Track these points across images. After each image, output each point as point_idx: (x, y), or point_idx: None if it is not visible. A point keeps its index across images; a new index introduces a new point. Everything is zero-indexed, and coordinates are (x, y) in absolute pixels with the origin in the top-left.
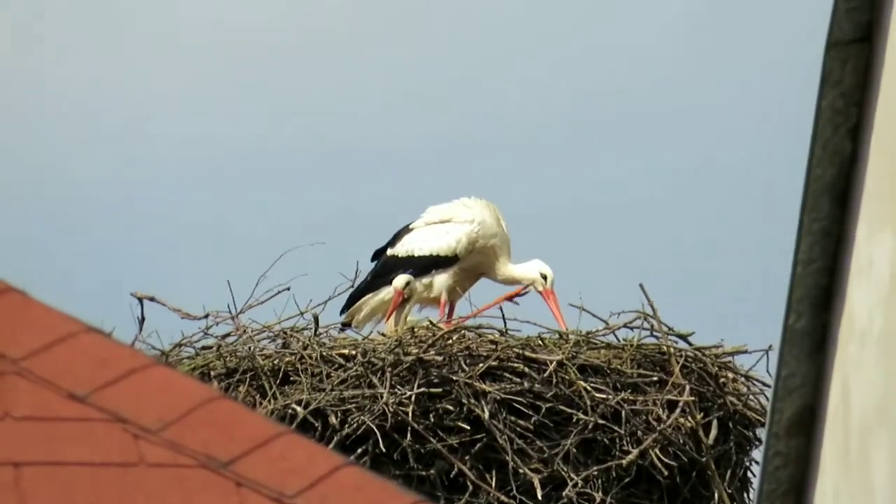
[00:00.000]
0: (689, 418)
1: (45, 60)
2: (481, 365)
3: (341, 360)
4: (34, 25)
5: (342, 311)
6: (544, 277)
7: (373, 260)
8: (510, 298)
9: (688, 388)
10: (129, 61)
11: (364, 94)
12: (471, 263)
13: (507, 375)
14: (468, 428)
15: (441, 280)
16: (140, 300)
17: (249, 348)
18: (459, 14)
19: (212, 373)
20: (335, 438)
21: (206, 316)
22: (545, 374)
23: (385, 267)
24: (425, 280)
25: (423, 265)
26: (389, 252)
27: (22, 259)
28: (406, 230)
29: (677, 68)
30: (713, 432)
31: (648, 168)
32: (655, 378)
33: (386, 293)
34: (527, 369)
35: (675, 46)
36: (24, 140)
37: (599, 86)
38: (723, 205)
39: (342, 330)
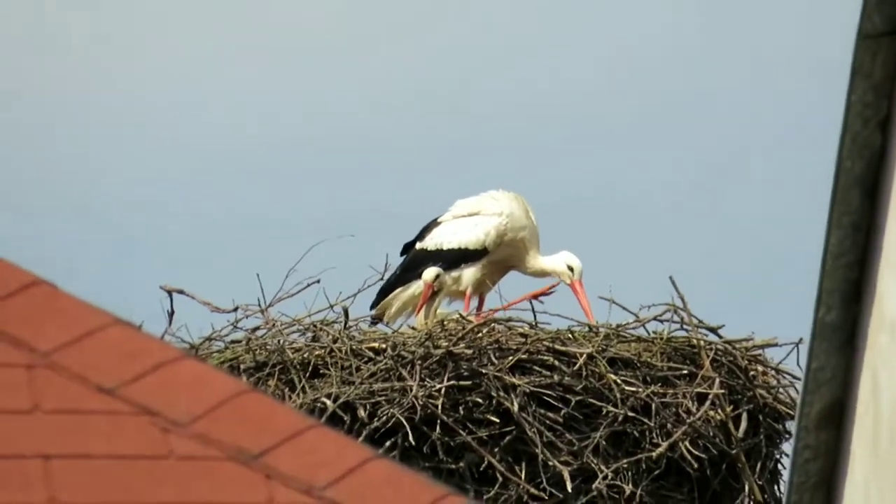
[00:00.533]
0: (719, 411)
1: (65, 57)
2: (511, 358)
3: (371, 354)
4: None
5: (372, 306)
6: (571, 269)
7: (402, 254)
8: (536, 297)
9: (718, 380)
10: (144, 63)
11: (368, 93)
12: (500, 256)
13: (537, 368)
14: (498, 421)
15: (470, 273)
16: (169, 293)
17: (279, 342)
18: (460, 14)
19: (241, 366)
20: (364, 431)
21: (236, 309)
22: (575, 367)
23: (414, 261)
24: (454, 273)
25: (453, 258)
26: (418, 246)
27: (51, 252)
28: (434, 224)
29: (707, 57)
30: (743, 425)
31: (679, 159)
32: (685, 371)
33: (416, 287)
34: (556, 362)
35: (701, 37)
36: (51, 135)
37: (622, 78)
38: (752, 197)
39: (372, 323)
